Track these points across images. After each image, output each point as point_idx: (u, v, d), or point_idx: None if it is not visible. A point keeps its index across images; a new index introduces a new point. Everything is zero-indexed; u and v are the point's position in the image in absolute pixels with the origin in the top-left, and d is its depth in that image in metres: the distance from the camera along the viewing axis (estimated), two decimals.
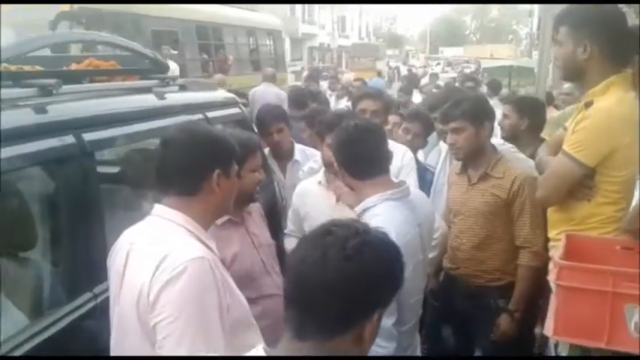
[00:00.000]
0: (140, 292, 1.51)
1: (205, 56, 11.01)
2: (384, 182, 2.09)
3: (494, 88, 9.96)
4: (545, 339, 2.18)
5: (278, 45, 14.98)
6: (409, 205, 2.08)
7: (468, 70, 23.71)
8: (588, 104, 2.11)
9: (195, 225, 1.64)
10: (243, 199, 2.38)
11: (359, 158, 2.08)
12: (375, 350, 1.89)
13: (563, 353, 1.80)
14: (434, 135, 3.94)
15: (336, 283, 1.06)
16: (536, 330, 2.89)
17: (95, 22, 8.55)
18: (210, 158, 1.65)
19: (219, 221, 2.23)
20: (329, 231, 1.11)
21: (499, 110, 4.11)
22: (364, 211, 2.03)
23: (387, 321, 1.98)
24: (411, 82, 11.23)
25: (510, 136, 3.53)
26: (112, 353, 1.69)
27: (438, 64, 36.57)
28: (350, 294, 1.06)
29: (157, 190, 1.71)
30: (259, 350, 1.13)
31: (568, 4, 2.29)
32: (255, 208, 2.58)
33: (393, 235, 1.80)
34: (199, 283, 1.48)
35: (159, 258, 1.50)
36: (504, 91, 11.00)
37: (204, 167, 1.64)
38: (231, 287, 1.64)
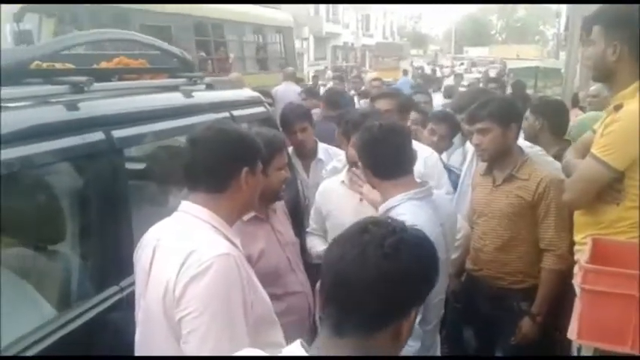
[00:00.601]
0: (166, 287, 1.53)
1: (203, 54, 10.26)
2: (407, 182, 2.10)
3: (519, 89, 9.74)
4: (568, 344, 2.16)
5: (288, 43, 14.18)
6: (432, 205, 2.09)
7: (493, 71, 23.44)
8: (618, 107, 2.08)
9: (221, 222, 1.66)
10: (270, 197, 2.41)
11: (383, 158, 2.09)
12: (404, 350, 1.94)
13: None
14: (458, 136, 3.92)
15: (375, 282, 1.06)
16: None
17: (72, 15, 7.97)
18: (238, 156, 1.68)
19: (245, 217, 2.26)
20: (366, 229, 1.11)
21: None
22: (388, 210, 2.04)
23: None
24: (427, 81, 11.08)
25: (528, 137, 3.48)
26: (137, 347, 1.72)
27: (462, 64, 36.24)
28: (389, 292, 1.08)
29: (185, 188, 1.74)
30: (297, 346, 1.12)
31: (598, 4, 2.26)
32: (280, 206, 2.61)
33: None
34: (225, 279, 1.51)
35: (185, 254, 1.52)
36: (530, 91, 10.85)
37: (233, 165, 1.67)
38: (254, 284, 1.66)
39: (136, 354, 1.72)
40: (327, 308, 1.12)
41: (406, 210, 1.99)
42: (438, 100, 8.44)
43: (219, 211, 1.67)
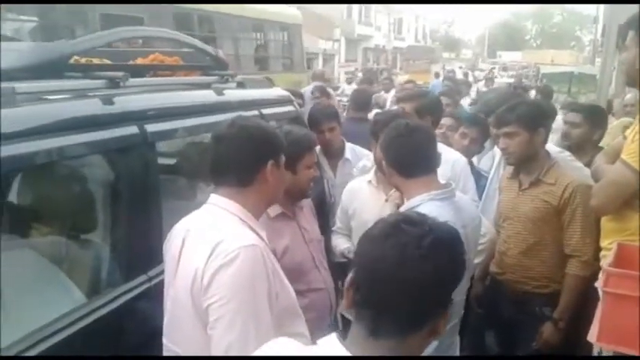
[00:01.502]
0: (195, 276, 1.58)
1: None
2: (429, 181, 2.11)
3: (546, 94, 9.45)
4: (589, 351, 2.14)
5: (295, 41, 12.99)
6: (454, 206, 2.09)
7: (525, 77, 23.16)
8: None
9: (247, 214, 1.71)
10: (297, 195, 2.45)
11: (406, 156, 2.11)
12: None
13: None
14: (490, 140, 3.90)
15: (412, 283, 1.06)
16: None
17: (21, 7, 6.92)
18: (262, 151, 1.73)
19: (272, 213, 2.32)
20: (401, 228, 1.10)
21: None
22: (409, 210, 2.05)
23: None
24: (456, 85, 10.95)
25: (577, 146, 3.41)
26: (165, 334, 1.78)
27: (493, 68, 35.82)
28: (426, 292, 1.07)
29: (212, 182, 1.79)
30: (333, 339, 1.12)
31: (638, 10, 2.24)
32: (307, 204, 2.64)
33: None
34: (251, 269, 1.55)
35: (213, 244, 1.57)
36: (564, 97, 10.67)
37: (258, 160, 1.72)
38: (280, 276, 1.70)
39: (164, 340, 1.77)
40: (362, 309, 1.11)
41: (427, 210, 1.99)
42: (465, 104, 8.36)
43: (246, 204, 1.72)
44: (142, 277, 2.10)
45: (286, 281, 1.76)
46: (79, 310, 1.87)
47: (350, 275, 1.13)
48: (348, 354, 1.07)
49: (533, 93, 10.94)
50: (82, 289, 2.02)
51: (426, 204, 2.01)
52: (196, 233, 1.68)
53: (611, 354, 1.72)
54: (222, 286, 1.53)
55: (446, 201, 2.07)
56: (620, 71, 10.17)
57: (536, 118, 2.76)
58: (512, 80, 18.25)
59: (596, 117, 3.54)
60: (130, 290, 2.05)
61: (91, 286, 2.08)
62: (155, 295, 1.96)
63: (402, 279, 1.06)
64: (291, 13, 13.31)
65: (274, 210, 2.36)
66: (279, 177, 1.80)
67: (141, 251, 2.11)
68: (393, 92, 9.99)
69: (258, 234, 1.70)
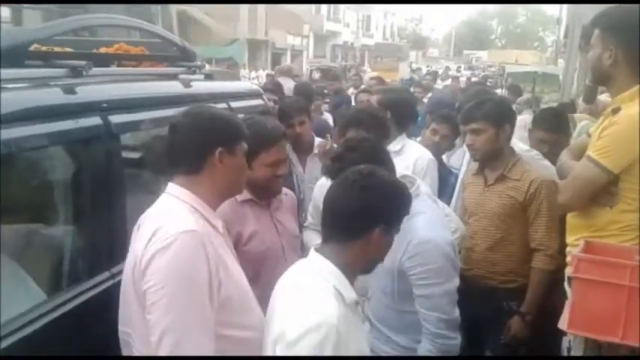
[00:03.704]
0: (135, 260, 1.60)
1: None
2: None
3: (515, 92, 9.92)
4: (558, 343, 2.17)
5: None
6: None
7: (491, 76, 23.54)
8: (616, 110, 2.09)
9: (200, 202, 1.70)
10: (257, 190, 2.37)
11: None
12: (446, 343, 2.05)
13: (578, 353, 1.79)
14: (459, 137, 3.91)
15: (347, 204, 1.58)
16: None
17: None
18: (210, 137, 1.71)
19: (240, 197, 2.29)
20: (349, 173, 1.65)
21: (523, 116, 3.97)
22: None
23: (456, 313, 2.10)
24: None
25: (552, 151, 3.27)
26: (120, 319, 1.75)
27: (459, 67, 36.29)
28: (356, 211, 1.57)
29: (169, 171, 1.78)
30: (313, 251, 1.66)
31: (601, 8, 2.27)
32: (291, 201, 2.59)
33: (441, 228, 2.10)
34: (188, 255, 1.54)
35: (154, 229, 1.58)
36: (528, 96, 10.90)
37: (204, 146, 1.71)
38: (226, 264, 1.67)
39: (119, 325, 1.75)
40: (321, 226, 1.66)
41: (422, 209, 2.08)
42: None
43: (199, 192, 1.71)
44: (106, 274, 2.04)
45: (236, 271, 1.74)
46: (39, 308, 1.81)
47: None
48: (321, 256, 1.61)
49: (498, 91, 11.19)
50: (42, 286, 1.95)
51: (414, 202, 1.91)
52: (146, 220, 1.69)
53: (581, 349, 1.75)
54: (158, 270, 1.53)
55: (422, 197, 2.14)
56: (582, 71, 10.42)
57: (503, 115, 2.80)
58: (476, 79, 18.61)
59: (563, 124, 3.54)
60: (93, 287, 1.99)
61: (51, 283, 2.01)
62: (119, 293, 1.89)
63: (340, 202, 1.60)
64: None
65: (243, 195, 2.32)
66: (235, 165, 1.76)
67: (104, 247, 2.05)
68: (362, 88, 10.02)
69: (210, 223, 1.70)
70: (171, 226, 1.57)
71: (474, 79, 16.92)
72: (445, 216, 2.42)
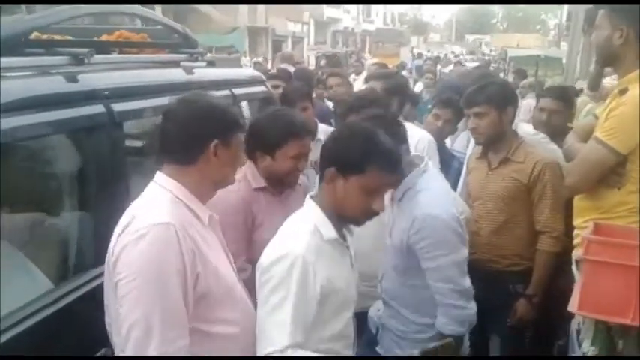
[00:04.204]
0: (110, 251, 1.58)
1: None
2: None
3: (521, 75, 9.96)
4: (566, 325, 2.16)
5: None
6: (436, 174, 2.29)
7: (494, 60, 23.43)
8: (623, 91, 2.08)
9: (186, 193, 1.66)
10: (275, 182, 2.37)
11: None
12: (461, 314, 2.07)
13: (587, 339, 1.79)
14: (463, 120, 3.89)
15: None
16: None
17: None
18: (206, 129, 1.65)
19: (255, 184, 2.32)
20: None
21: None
22: (408, 190, 2.15)
23: (467, 282, 2.11)
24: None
25: (556, 132, 3.23)
26: (106, 309, 1.72)
27: (452, 52, 36.06)
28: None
29: (159, 159, 1.73)
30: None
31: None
32: (302, 189, 2.54)
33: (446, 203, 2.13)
34: (160, 248, 1.51)
35: (128, 219, 1.56)
36: (531, 79, 10.86)
37: (201, 138, 1.64)
38: (205, 259, 1.62)
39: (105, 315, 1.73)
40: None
41: (426, 185, 2.14)
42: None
43: (187, 182, 1.66)
44: None
45: (221, 264, 1.69)
46: (46, 297, 1.81)
47: None
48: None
49: (501, 75, 11.22)
50: (49, 275, 1.94)
51: (421, 179, 2.14)
52: (128, 210, 1.65)
53: (591, 332, 1.74)
54: (128, 262, 1.51)
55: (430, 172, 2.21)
56: (585, 54, 10.36)
57: (505, 98, 2.78)
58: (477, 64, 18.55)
59: (569, 100, 3.54)
60: (99, 276, 1.97)
61: (57, 272, 2.00)
62: None
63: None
64: None
65: (257, 182, 2.33)
66: (229, 157, 1.69)
67: (109, 235, 2.03)
68: (363, 74, 9.98)
69: (195, 213, 1.66)
70: (145, 218, 1.54)
71: (474, 64, 16.87)
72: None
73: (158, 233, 1.51)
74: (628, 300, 1.59)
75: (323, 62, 13.12)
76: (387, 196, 2.07)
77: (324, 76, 5.96)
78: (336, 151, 1.78)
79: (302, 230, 1.75)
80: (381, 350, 2.32)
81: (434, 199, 2.10)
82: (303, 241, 1.70)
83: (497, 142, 2.79)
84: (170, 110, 1.68)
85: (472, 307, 2.11)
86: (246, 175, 2.35)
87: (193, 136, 1.64)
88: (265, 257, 1.71)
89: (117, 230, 1.58)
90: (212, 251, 1.68)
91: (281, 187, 2.41)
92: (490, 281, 2.76)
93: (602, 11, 2.15)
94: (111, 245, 1.59)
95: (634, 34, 2.07)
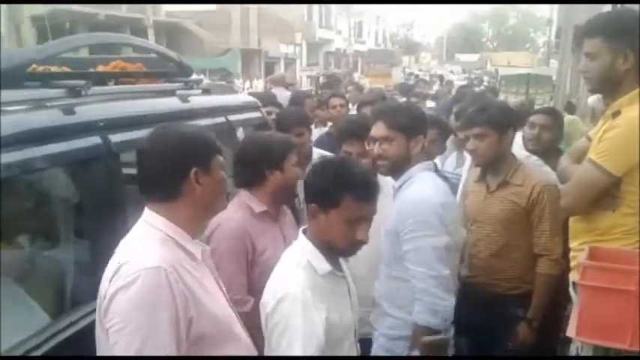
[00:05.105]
0: (101, 295, 1.54)
1: None
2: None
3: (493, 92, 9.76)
4: (566, 348, 2.16)
5: None
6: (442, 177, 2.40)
7: (486, 78, 23.63)
8: (616, 114, 2.09)
9: (176, 230, 1.62)
10: (286, 193, 2.46)
11: None
12: (435, 302, 2.11)
13: None
14: (451, 139, 3.90)
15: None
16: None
17: None
18: (182, 160, 1.60)
19: (257, 209, 2.34)
20: None
21: None
22: (404, 182, 2.29)
23: (446, 271, 2.15)
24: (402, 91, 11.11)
25: (545, 150, 3.33)
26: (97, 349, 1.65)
27: (451, 72, 36.35)
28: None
29: (144, 198, 1.68)
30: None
31: (595, 15, 2.26)
32: (289, 215, 2.60)
33: (437, 193, 2.21)
34: (150, 294, 1.47)
35: (118, 264, 1.52)
36: (522, 98, 10.93)
37: (179, 169, 1.60)
38: (198, 299, 1.57)
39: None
40: None
41: (424, 181, 2.25)
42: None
43: (175, 217, 1.62)
44: None
45: (213, 303, 1.64)
46: (44, 332, 1.79)
47: None
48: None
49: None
50: (45, 309, 1.93)
51: (422, 173, 2.26)
52: (117, 250, 1.61)
53: (590, 352, 1.73)
54: (118, 309, 1.47)
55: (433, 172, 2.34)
56: (574, 72, 10.45)
57: (506, 119, 2.78)
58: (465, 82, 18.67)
59: (559, 120, 3.60)
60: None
61: (54, 306, 1.98)
62: None
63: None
64: None
65: (258, 206, 2.35)
66: (212, 182, 1.64)
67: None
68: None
69: (187, 249, 1.62)
70: (135, 262, 1.49)
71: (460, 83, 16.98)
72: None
73: (149, 278, 1.46)
74: (625, 325, 1.59)
75: (322, 81, 13.11)
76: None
77: (327, 97, 5.96)
78: (314, 187, 1.82)
79: (296, 267, 1.78)
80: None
81: (426, 186, 2.22)
82: (300, 279, 1.73)
83: (496, 164, 2.79)
84: (142, 149, 1.63)
85: (449, 299, 2.13)
86: (245, 202, 2.37)
87: (171, 169, 1.60)
88: (267, 299, 1.74)
89: (107, 274, 1.54)
90: (205, 291, 1.63)
91: (288, 200, 2.51)
92: (490, 305, 2.76)
93: (596, 39, 2.13)
94: (102, 289, 1.55)
95: (634, 56, 2.07)
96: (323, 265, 1.80)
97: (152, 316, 1.46)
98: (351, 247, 1.82)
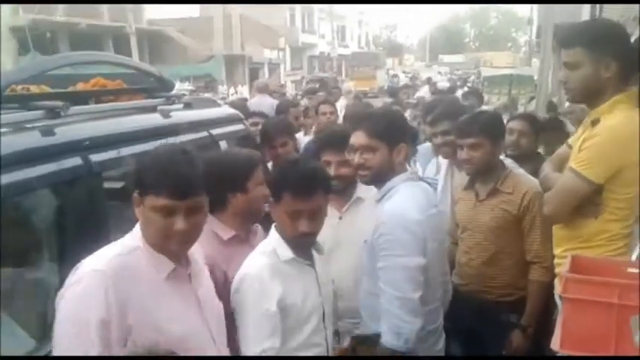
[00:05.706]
0: None
1: None
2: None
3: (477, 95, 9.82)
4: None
5: None
6: (423, 188, 2.34)
7: (470, 79, 23.75)
8: (595, 122, 2.11)
9: (145, 244, 1.69)
10: (253, 215, 2.31)
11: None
12: (397, 325, 2.06)
13: None
14: (428, 146, 3.86)
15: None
16: None
17: None
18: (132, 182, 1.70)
19: (225, 236, 2.22)
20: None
21: None
22: (387, 191, 2.25)
23: (414, 294, 2.08)
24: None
25: (524, 155, 3.36)
26: None
27: (439, 73, 36.56)
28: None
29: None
30: None
31: (572, 23, 2.28)
32: (260, 230, 2.48)
33: (414, 208, 2.16)
34: (83, 296, 1.53)
35: (76, 266, 1.61)
36: (504, 100, 11.01)
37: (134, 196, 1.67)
38: (144, 309, 1.60)
39: None
40: None
41: (405, 191, 2.21)
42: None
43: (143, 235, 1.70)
44: None
45: (165, 315, 1.64)
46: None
47: None
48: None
49: (459, 92, 11.11)
50: (31, 333, 1.91)
51: (405, 184, 2.23)
52: None
53: None
54: (59, 308, 1.56)
55: (416, 181, 2.32)
56: (556, 71, 10.54)
57: (498, 128, 2.80)
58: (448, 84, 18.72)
59: (536, 123, 3.64)
60: None
61: (38, 329, 1.95)
62: None
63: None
64: None
65: (227, 233, 2.23)
66: (141, 214, 1.67)
67: None
68: (341, 101, 10.03)
69: (150, 262, 1.66)
70: (86, 264, 1.59)
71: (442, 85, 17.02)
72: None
73: (90, 280, 1.54)
74: (609, 336, 1.59)
75: (307, 86, 13.09)
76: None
77: (315, 104, 5.93)
78: (269, 184, 2.14)
79: (261, 254, 2.03)
80: None
81: (401, 200, 2.18)
82: (261, 263, 1.98)
83: (486, 172, 2.77)
84: None
85: (414, 322, 2.06)
86: (212, 229, 2.19)
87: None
88: (235, 280, 1.99)
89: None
90: (160, 305, 1.64)
91: (257, 220, 2.38)
92: (482, 312, 2.75)
93: (576, 49, 2.13)
94: None
95: (616, 65, 2.08)
96: (286, 252, 2.01)
97: (77, 317, 1.52)
98: (298, 238, 2.02)
